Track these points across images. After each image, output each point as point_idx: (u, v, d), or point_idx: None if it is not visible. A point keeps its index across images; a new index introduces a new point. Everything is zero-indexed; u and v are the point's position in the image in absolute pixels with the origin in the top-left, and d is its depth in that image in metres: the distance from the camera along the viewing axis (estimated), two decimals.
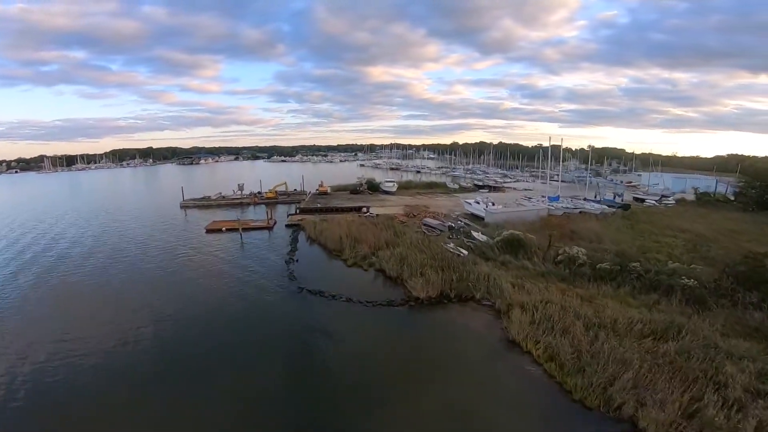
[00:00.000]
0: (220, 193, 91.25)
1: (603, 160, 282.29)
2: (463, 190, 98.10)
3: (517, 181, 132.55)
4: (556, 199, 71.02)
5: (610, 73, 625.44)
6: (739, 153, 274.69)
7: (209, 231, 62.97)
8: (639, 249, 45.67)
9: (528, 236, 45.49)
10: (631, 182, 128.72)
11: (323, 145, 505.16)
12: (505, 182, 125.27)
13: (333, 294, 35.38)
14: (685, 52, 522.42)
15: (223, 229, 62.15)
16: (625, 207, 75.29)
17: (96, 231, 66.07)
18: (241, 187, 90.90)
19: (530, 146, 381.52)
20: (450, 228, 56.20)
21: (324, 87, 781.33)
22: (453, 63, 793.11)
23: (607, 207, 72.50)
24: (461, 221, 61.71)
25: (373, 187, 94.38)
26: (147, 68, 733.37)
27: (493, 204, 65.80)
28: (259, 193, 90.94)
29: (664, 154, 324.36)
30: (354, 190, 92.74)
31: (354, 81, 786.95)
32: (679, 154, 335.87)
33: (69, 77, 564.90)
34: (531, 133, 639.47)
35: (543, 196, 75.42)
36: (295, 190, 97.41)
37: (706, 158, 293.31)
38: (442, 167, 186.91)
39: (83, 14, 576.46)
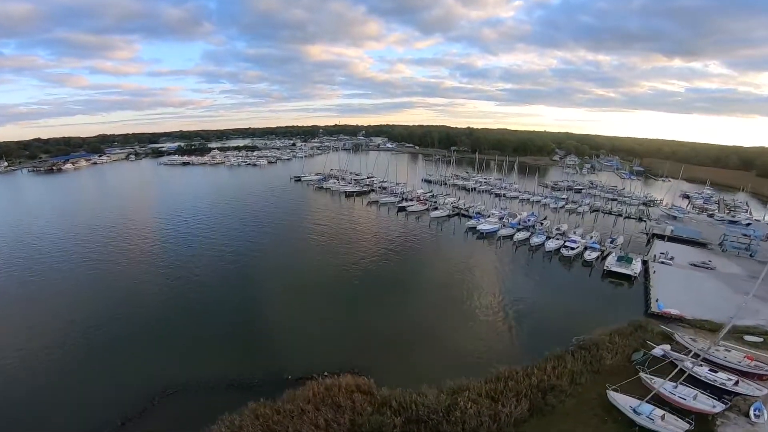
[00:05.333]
0: None
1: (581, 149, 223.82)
2: None
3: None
4: None
5: (543, 54, 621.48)
6: (738, 144, 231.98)
7: None
8: None
9: None
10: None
11: (260, 127, 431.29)
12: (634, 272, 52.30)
13: None
14: (608, 35, 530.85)
15: None
16: None
17: None
18: None
19: (496, 129, 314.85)
20: None
21: (260, 66, 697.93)
22: (394, 42, 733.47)
23: None
24: None
25: None
26: (47, 51, 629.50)
27: None
28: None
29: (590, 132, 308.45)
30: None
31: (292, 60, 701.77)
32: (603, 133, 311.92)
33: None
34: (471, 111, 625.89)
35: None
36: None
37: (703, 144, 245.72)
38: (435, 184, 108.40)
39: None
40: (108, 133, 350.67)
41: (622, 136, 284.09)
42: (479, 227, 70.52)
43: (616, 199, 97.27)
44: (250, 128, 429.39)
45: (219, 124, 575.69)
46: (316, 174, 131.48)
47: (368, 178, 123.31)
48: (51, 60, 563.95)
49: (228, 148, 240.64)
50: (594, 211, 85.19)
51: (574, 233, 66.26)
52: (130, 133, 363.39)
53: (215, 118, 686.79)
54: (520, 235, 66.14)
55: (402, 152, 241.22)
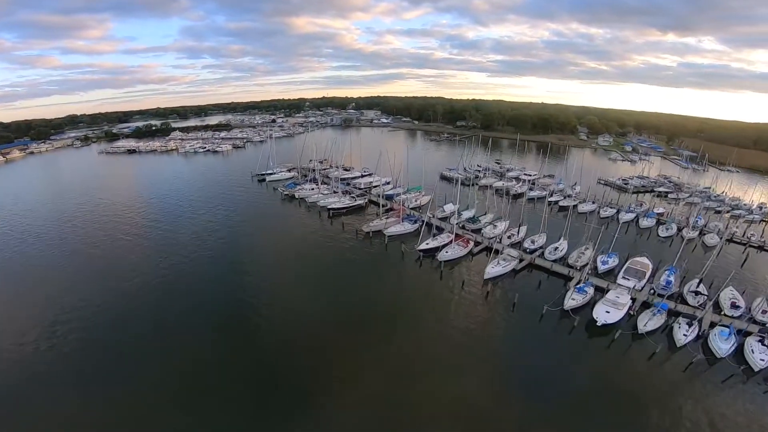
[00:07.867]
0: None
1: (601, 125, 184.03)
2: None
3: None
4: None
5: (534, 26, 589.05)
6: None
7: None
8: None
9: None
10: None
11: (244, 102, 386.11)
12: None
13: None
14: (602, 7, 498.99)
15: None
16: None
17: None
18: None
19: (492, 100, 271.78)
20: None
21: (243, 40, 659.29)
22: (382, 12, 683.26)
23: None
24: None
25: None
26: (12, 34, 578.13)
27: None
28: None
29: (583, 104, 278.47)
30: None
31: (276, 33, 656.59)
32: (596, 105, 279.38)
33: None
34: (462, 82, 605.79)
35: None
36: None
37: (732, 122, 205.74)
38: (462, 185, 70.48)
39: None
40: (88, 113, 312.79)
41: (617, 108, 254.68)
42: (601, 318, 32.81)
43: (728, 212, 62.72)
44: (232, 103, 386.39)
45: (203, 99, 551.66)
46: (288, 170, 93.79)
47: (363, 176, 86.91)
48: (18, 42, 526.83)
49: (195, 128, 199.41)
50: (730, 241, 50.63)
51: (763, 314, 32.40)
52: (111, 111, 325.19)
53: (198, 93, 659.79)
54: (687, 335, 30.90)
55: (400, 128, 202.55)
